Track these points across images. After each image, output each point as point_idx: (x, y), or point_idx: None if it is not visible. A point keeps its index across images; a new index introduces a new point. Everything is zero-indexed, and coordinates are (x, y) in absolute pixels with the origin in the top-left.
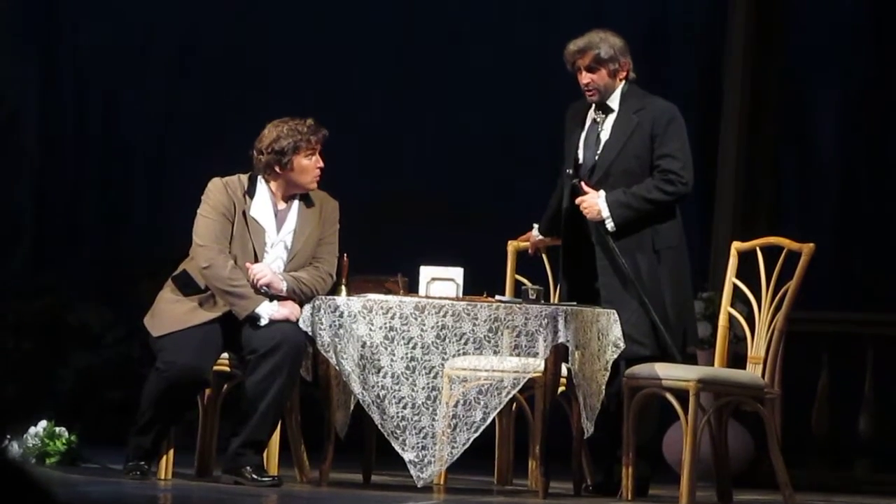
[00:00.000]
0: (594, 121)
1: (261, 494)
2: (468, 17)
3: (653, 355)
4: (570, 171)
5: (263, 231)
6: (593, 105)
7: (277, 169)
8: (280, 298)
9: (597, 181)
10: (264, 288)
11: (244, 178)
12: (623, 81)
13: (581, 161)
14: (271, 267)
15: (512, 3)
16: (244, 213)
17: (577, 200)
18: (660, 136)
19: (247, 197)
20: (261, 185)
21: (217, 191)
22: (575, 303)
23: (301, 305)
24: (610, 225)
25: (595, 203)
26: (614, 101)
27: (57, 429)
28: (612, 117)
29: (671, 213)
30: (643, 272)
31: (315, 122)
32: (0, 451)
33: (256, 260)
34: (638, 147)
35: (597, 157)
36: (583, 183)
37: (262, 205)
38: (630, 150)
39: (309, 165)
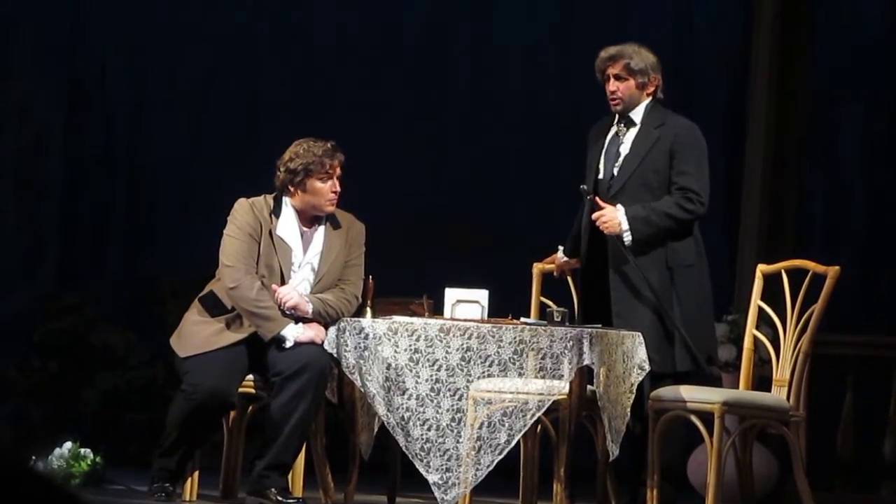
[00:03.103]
0: (616, 133)
1: None
2: (497, 41)
3: (662, 371)
4: (585, 187)
5: (290, 251)
6: (616, 118)
7: (291, 188)
8: (306, 320)
9: (614, 193)
10: (290, 310)
11: (270, 198)
12: (650, 98)
13: (601, 173)
14: (298, 289)
15: (540, 28)
16: (270, 233)
17: (595, 216)
18: (680, 153)
19: (273, 217)
20: (286, 205)
21: (243, 211)
22: (600, 325)
23: (326, 328)
24: (627, 238)
25: (615, 216)
26: (637, 115)
27: (82, 450)
28: (633, 131)
29: (687, 231)
30: (655, 287)
31: (334, 145)
32: (34, 468)
33: (283, 279)
34: (656, 162)
35: (615, 171)
36: (597, 198)
37: (289, 225)
38: (648, 165)
39: (322, 189)
